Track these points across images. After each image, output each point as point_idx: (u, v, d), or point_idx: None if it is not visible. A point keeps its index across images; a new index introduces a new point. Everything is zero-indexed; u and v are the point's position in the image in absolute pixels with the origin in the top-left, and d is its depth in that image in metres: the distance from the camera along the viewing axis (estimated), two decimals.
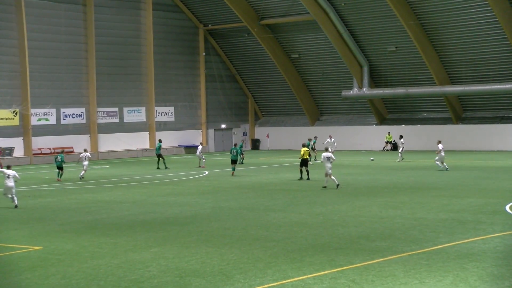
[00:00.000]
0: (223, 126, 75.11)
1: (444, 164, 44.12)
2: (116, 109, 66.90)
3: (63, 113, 63.14)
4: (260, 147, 75.55)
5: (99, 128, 64.95)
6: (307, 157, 39.90)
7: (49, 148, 61.09)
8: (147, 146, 68.26)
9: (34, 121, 60.88)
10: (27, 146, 59.86)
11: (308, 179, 39.18)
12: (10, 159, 57.95)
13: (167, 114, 70.86)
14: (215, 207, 28.95)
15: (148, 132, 68.67)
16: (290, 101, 74.02)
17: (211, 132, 74.13)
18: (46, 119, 62.06)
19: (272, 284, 15.58)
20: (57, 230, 23.78)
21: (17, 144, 59.82)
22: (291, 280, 15.90)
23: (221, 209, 28.52)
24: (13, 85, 59.84)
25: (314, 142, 56.17)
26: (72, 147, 62.56)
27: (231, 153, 45.53)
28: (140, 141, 67.34)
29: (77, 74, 64.10)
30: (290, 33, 68.97)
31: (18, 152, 59.87)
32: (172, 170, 48.23)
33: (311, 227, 23.43)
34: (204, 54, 72.84)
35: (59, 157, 43.33)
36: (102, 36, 65.08)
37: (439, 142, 45.43)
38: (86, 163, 43.64)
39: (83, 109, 64.45)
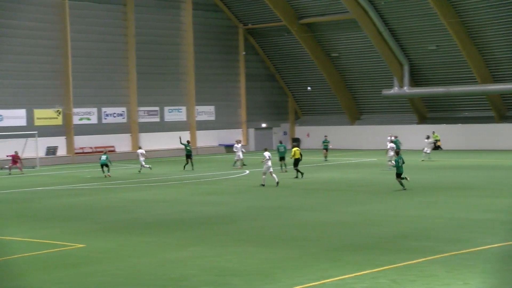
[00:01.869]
0: (263, 125, 75.11)
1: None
2: (157, 108, 67.28)
3: (104, 112, 63.70)
4: (301, 146, 75.30)
5: (140, 127, 65.37)
6: (299, 156, 40.64)
7: (91, 147, 61.66)
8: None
9: (76, 120, 61.50)
10: (69, 145, 60.47)
11: (300, 177, 39.73)
12: (53, 158, 58.68)
13: (208, 113, 71.06)
14: (253, 206, 28.99)
15: (189, 131, 68.93)
16: (329, 100, 73.73)
17: (251, 131, 74.17)
18: (88, 119, 62.65)
19: (313, 284, 15.54)
20: (98, 229, 24.02)
21: (60, 143, 60.50)
22: (331, 279, 15.84)
23: (259, 208, 28.55)
24: (56, 85, 60.50)
25: (328, 142, 55.49)
26: (113, 146, 63.09)
27: (278, 150, 45.37)
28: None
29: (118, 73, 64.60)
30: (330, 32, 68.73)
31: (61, 151, 60.53)
32: (211, 169, 48.37)
33: (349, 226, 23.36)
34: (243, 53, 72.91)
35: (103, 157, 44.08)
36: (142, 35, 65.49)
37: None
38: (142, 159, 47.13)
39: (124, 109, 64.94)
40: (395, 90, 66.53)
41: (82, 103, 61.85)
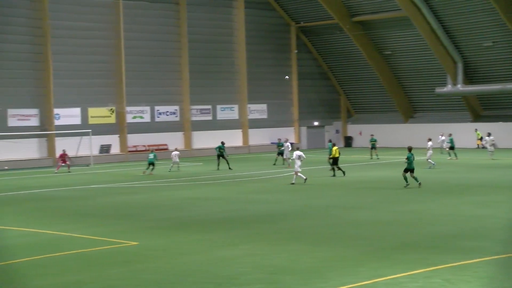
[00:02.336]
0: (316, 123, 74.90)
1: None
2: (209, 106, 67.59)
3: (157, 110, 64.21)
4: (353, 145, 74.99)
5: (193, 126, 65.74)
6: (338, 155, 40.62)
7: (144, 145, 62.21)
8: (240, 144, 68.75)
9: (129, 118, 62.12)
10: (122, 143, 61.10)
11: (342, 175, 39.90)
12: (107, 156, 59.34)
13: (260, 112, 71.13)
14: (306, 205, 28.92)
15: (241, 130, 69.08)
16: (382, 98, 73.19)
17: (304, 129, 74.01)
18: (141, 117, 63.23)
19: (365, 282, 15.43)
20: (151, 226, 24.21)
21: (113, 142, 61.19)
22: (384, 278, 15.72)
23: (311, 206, 28.48)
24: (110, 84, 61.20)
25: (375, 141, 55.08)
26: (166, 145, 63.55)
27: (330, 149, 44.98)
28: (233, 139, 67.73)
29: (171, 72, 65.06)
30: (382, 29, 68.21)
31: (115, 150, 61.19)
32: (263, 168, 48.39)
33: (402, 225, 23.16)
34: (296, 51, 72.80)
35: (151, 155, 44.64)
36: (195, 34, 65.85)
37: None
38: (176, 160, 47.01)
39: (177, 107, 65.38)
40: (448, 88, 65.77)
41: (135, 102, 62.45)
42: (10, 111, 56.41)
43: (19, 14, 56.90)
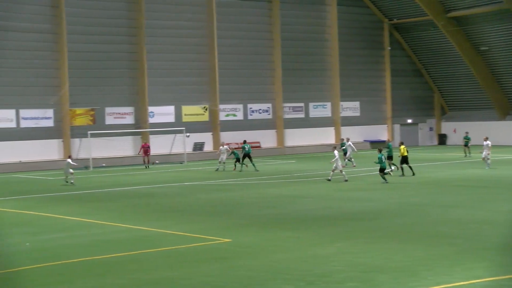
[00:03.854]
0: (409, 121, 73.86)
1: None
2: (302, 104, 67.50)
3: (250, 108, 64.52)
4: (447, 142, 73.60)
5: (285, 123, 65.77)
6: (406, 154, 39.91)
7: (236, 143, 62.54)
8: (333, 141, 68.38)
9: (222, 116, 62.63)
10: (215, 141, 61.61)
11: (413, 174, 39.22)
12: (200, 154, 59.97)
13: (352, 109, 70.64)
14: (399, 203, 28.53)
15: (334, 127, 68.73)
16: (478, 95, 71.52)
17: (397, 127, 73.08)
18: (234, 115, 63.67)
19: (461, 283, 15.02)
20: (244, 223, 24.28)
21: (207, 139, 61.78)
22: (482, 280, 15.24)
23: (404, 205, 28.07)
24: (203, 82, 61.84)
25: (469, 139, 53.71)
26: (258, 142, 63.78)
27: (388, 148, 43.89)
28: (325, 136, 67.49)
29: (264, 70, 65.26)
30: (479, 24, 66.60)
31: (208, 147, 61.78)
32: (356, 166, 47.99)
33: (500, 225, 22.51)
34: (389, 48, 71.96)
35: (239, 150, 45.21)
36: (287, 32, 65.85)
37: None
38: (223, 156, 47.27)
39: (270, 105, 65.54)
40: None
41: (228, 100, 62.91)
42: (107, 109, 57.71)
43: (116, 15, 58.09)
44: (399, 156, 40.32)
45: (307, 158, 54.54)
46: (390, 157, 42.32)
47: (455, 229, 21.86)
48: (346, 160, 47.52)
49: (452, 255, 17.89)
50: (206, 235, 21.77)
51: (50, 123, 55.53)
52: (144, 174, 47.10)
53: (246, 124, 64.12)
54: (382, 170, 36.28)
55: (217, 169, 47.33)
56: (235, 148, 50.89)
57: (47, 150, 55.14)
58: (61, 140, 55.70)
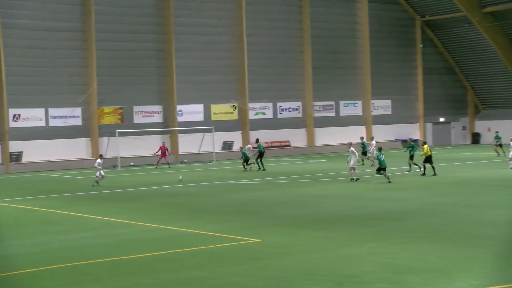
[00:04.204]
0: (441, 119, 73.38)
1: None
2: (332, 102, 67.36)
3: (279, 107, 64.51)
4: (481, 141, 73.00)
5: (315, 122, 65.66)
6: (430, 153, 39.73)
7: (266, 142, 62.56)
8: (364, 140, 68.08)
9: (251, 115, 62.67)
10: (245, 140, 61.60)
11: (434, 174, 39.07)
12: (229, 153, 60.05)
13: (384, 108, 70.34)
14: (429, 203, 28.37)
15: (365, 126, 68.49)
16: None
17: (429, 126, 72.64)
18: (263, 113, 63.69)
19: (497, 287, 14.89)
20: (273, 223, 24.29)
21: (236, 138, 61.83)
22: None
23: (435, 204, 27.90)
24: (232, 80, 61.95)
25: (500, 138, 53.28)
26: (288, 141, 63.76)
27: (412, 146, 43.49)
28: (356, 135, 67.11)
29: (293, 68, 65.21)
30: None
31: (237, 146, 61.77)
32: (389, 166, 47.67)
33: None
34: (421, 45, 71.53)
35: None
36: (317, 29, 65.72)
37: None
38: (252, 153, 47.82)
39: (299, 103, 65.48)
40: None
41: (257, 98, 62.94)
42: (136, 108, 58.03)
43: (145, 13, 58.39)
44: (421, 155, 40.09)
45: (338, 157, 54.33)
46: (411, 157, 42.18)
47: (488, 230, 21.67)
48: (366, 158, 47.70)
49: (487, 257, 17.73)
50: (235, 235, 21.81)
51: (78, 121, 55.96)
52: (172, 173, 47.28)
53: (275, 123, 64.12)
54: (380, 169, 36.65)
55: (249, 169, 47.24)
56: (254, 148, 50.72)
57: (75, 149, 55.57)
58: (89, 139, 56.12)
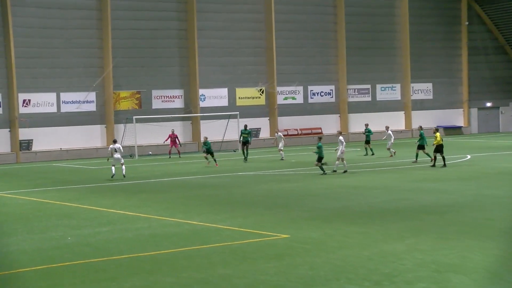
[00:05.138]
0: (488, 104, 72.87)
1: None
2: (368, 86, 67.18)
3: (310, 91, 64.45)
4: None
5: (349, 107, 65.52)
6: (441, 142, 39.44)
7: (296, 129, 62.55)
8: (402, 127, 67.92)
9: (280, 100, 62.64)
10: (272, 127, 61.63)
11: (444, 165, 38.73)
12: (256, 141, 60.06)
13: (424, 92, 70.03)
14: (477, 195, 28.23)
15: (403, 112, 68.23)
16: None
17: (474, 111, 72.19)
18: (293, 98, 63.66)
19: None
20: (303, 217, 24.28)
21: (263, 125, 61.83)
22: None
23: (484, 197, 27.75)
24: (259, 61, 61.91)
25: None
26: (320, 128, 63.67)
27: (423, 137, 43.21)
28: (394, 122, 66.96)
29: (325, 48, 65.06)
30: None
31: (264, 134, 61.87)
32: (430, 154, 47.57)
33: None
34: (466, 23, 71.00)
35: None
36: (352, 6, 65.51)
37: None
38: (281, 143, 47.88)
39: (332, 87, 65.36)
40: None
41: (286, 81, 62.88)
42: (155, 92, 58.23)
43: None
44: (433, 144, 39.84)
45: (374, 145, 54.19)
46: (421, 147, 41.95)
47: None
48: (370, 148, 47.71)
49: None
50: (262, 230, 21.85)
51: (92, 107, 56.27)
52: (194, 163, 47.41)
53: (306, 108, 64.07)
54: (319, 159, 37.50)
55: (281, 159, 47.36)
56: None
57: (89, 137, 55.92)
58: (104, 126, 56.43)
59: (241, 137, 48.70)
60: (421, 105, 69.35)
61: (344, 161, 38.04)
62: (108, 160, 39.39)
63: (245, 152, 47.69)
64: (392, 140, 47.29)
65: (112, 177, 37.79)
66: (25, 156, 53.28)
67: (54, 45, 54.79)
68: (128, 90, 57.40)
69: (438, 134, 39.90)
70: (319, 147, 37.61)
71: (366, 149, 49.14)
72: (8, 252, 20.02)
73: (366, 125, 50.95)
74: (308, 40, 64.29)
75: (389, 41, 68.09)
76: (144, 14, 57.70)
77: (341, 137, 38.63)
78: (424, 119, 68.03)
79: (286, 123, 62.54)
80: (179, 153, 52.86)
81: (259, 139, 60.78)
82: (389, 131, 47.91)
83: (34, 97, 54.11)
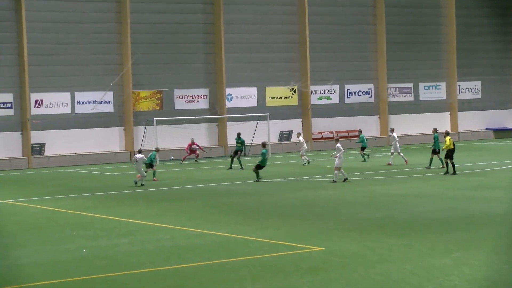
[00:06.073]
0: None
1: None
2: (411, 85, 66.92)
3: (347, 90, 64.31)
4: None
5: (390, 108, 65.30)
6: (453, 147, 39.15)
7: (331, 132, 62.42)
8: (448, 129, 67.54)
9: (314, 100, 62.57)
10: (306, 129, 61.51)
11: (454, 173, 38.54)
12: (287, 145, 60.00)
13: (472, 91, 69.64)
14: None
15: (449, 113, 67.94)
16: None
17: None
18: (328, 98, 63.55)
19: None
20: (340, 228, 24.26)
21: (295, 127, 61.69)
22: None
23: None
24: (291, 58, 61.88)
25: None
26: (357, 131, 63.37)
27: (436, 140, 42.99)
28: (439, 123, 66.56)
29: (364, 43, 64.89)
30: None
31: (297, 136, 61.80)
32: (479, 159, 47.34)
33: None
34: None
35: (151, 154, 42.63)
36: None
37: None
38: (304, 147, 49.15)
39: (371, 86, 65.19)
40: None
41: (321, 80, 62.79)
42: (177, 92, 58.33)
43: None
44: (443, 149, 39.66)
45: (417, 149, 53.95)
46: (435, 151, 41.77)
47: None
48: (397, 153, 47.28)
49: None
50: (295, 242, 21.84)
51: (109, 108, 56.50)
52: (220, 168, 47.46)
53: (342, 109, 63.95)
54: (258, 166, 39.08)
55: (303, 164, 47.45)
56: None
57: (106, 140, 56.11)
58: (122, 128, 56.63)
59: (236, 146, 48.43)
60: (468, 105, 68.98)
61: (342, 170, 37.55)
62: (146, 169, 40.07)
63: (238, 160, 47.01)
64: (398, 144, 46.99)
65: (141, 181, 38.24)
66: (37, 161, 53.56)
67: (69, 41, 55.04)
68: (148, 90, 57.56)
69: (448, 138, 39.78)
70: (263, 154, 39.22)
71: (363, 155, 48.99)
72: (20, 264, 20.15)
73: (360, 131, 51.02)
74: (345, 34, 64.14)
75: (434, 35, 67.77)
76: (166, 7, 57.83)
77: (339, 144, 38.12)
78: (472, 121, 67.75)
79: (321, 125, 62.43)
80: (196, 158, 52.60)
81: (291, 143, 60.67)
82: (394, 134, 47.92)
83: (47, 97, 54.37)
